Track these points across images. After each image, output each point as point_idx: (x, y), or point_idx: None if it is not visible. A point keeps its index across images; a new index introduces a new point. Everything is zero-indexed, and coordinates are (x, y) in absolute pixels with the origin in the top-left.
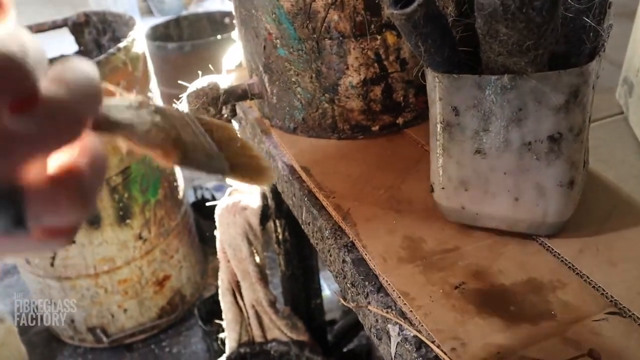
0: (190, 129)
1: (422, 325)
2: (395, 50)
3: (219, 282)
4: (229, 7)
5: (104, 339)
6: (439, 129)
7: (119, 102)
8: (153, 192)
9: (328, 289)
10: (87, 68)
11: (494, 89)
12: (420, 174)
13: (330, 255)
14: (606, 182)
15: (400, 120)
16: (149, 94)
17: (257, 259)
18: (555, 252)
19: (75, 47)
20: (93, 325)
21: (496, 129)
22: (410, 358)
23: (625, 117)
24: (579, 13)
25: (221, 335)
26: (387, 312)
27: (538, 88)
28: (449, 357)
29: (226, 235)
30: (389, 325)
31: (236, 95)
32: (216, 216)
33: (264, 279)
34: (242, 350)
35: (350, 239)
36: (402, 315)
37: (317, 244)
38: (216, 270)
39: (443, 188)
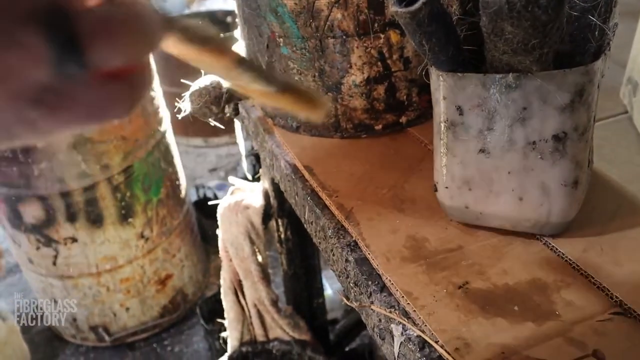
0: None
1: (425, 325)
2: (399, 49)
3: (221, 281)
4: (232, 5)
5: (106, 337)
6: (442, 128)
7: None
8: (155, 191)
9: (330, 288)
10: None
11: (498, 88)
12: (423, 173)
13: (333, 255)
14: (610, 182)
15: (403, 119)
16: (152, 93)
17: (260, 258)
18: (560, 251)
19: None
20: (95, 324)
21: (500, 128)
22: (414, 358)
23: (629, 116)
24: (585, 11)
25: (223, 334)
26: (390, 312)
27: (543, 87)
28: (453, 357)
29: (228, 234)
30: (392, 325)
31: (239, 94)
32: (218, 215)
33: (266, 278)
34: (244, 349)
35: (353, 238)
36: (406, 314)
37: (319, 243)
38: (218, 269)
39: (447, 187)
